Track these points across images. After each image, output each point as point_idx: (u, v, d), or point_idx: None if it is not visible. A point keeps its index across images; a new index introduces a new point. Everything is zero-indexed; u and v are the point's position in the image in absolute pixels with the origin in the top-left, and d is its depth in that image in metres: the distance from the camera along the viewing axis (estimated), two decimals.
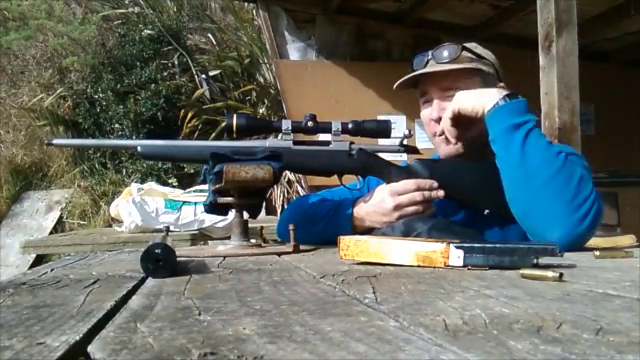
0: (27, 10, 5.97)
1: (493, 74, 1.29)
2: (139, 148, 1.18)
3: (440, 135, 1.26)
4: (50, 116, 5.76)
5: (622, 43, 3.93)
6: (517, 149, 1.09)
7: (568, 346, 0.36)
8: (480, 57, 1.28)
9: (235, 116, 1.17)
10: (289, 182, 4.86)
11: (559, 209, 1.05)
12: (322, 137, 1.24)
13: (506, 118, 1.11)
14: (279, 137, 1.22)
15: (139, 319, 0.48)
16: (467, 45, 1.29)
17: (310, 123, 1.18)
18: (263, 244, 1.19)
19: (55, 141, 1.25)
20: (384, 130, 1.22)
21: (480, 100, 1.15)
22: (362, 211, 1.22)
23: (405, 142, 1.24)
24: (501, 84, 1.29)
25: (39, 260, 4.35)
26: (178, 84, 5.60)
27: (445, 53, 1.25)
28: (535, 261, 0.75)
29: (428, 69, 1.26)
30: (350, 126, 1.20)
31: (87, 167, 5.61)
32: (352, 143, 1.22)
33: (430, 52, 1.28)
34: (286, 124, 1.18)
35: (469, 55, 1.27)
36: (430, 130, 1.30)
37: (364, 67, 3.69)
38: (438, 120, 1.25)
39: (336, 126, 1.19)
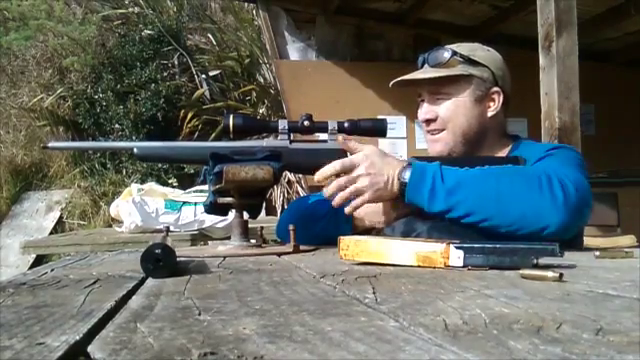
0: (27, 10, 5.97)
1: (488, 78, 1.29)
2: (136, 150, 1.18)
3: (429, 133, 1.30)
4: (50, 116, 5.76)
5: (622, 43, 3.93)
6: (454, 200, 1.05)
7: (568, 346, 0.36)
8: (472, 62, 1.28)
9: (232, 116, 1.17)
10: (289, 182, 4.86)
11: (529, 207, 1.03)
12: (321, 137, 1.24)
13: (422, 190, 1.07)
14: (279, 137, 1.22)
15: (139, 319, 0.48)
16: (464, 47, 1.30)
17: (306, 123, 1.18)
18: (263, 244, 1.19)
19: (50, 144, 1.23)
20: (380, 129, 1.23)
21: (387, 191, 1.11)
22: (361, 210, 1.22)
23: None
24: (495, 89, 1.29)
25: (39, 260, 4.35)
26: (178, 84, 5.60)
27: (436, 56, 1.28)
28: (535, 261, 0.75)
29: (416, 75, 1.30)
30: (346, 125, 1.20)
31: (87, 167, 5.61)
32: None
33: (426, 54, 1.31)
34: (282, 124, 1.19)
35: (459, 60, 1.28)
36: (423, 129, 1.35)
37: (364, 67, 3.69)
38: (426, 121, 1.30)
39: (332, 125, 1.20)
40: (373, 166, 1.11)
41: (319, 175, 1.15)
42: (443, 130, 1.28)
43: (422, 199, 1.07)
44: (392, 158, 1.15)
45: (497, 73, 1.30)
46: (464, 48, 1.30)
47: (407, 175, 1.09)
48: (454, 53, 1.27)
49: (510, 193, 1.04)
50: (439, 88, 1.28)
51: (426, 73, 1.29)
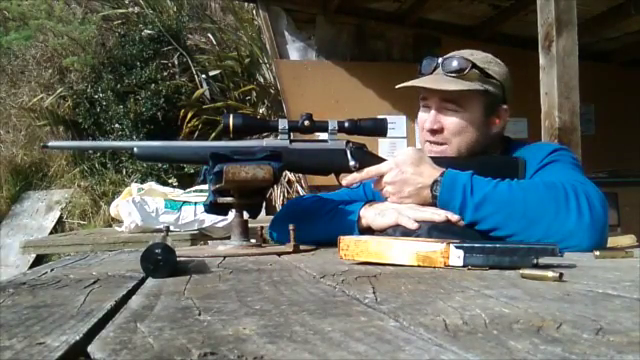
0: (27, 10, 5.97)
1: (498, 95, 1.25)
2: (136, 149, 1.18)
3: (430, 142, 1.25)
4: (50, 116, 5.76)
5: (622, 43, 3.94)
6: (481, 215, 1.06)
7: (568, 346, 0.36)
8: (488, 76, 1.23)
9: (231, 116, 1.17)
10: (289, 182, 4.86)
11: (555, 227, 1.02)
12: (321, 137, 1.24)
13: (453, 204, 1.08)
14: (279, 137, 1.22)
15: (139, 319, 0.48)
16: (479, 59, 1.24)
17: (307, 122, 1.18)
18: (263, 244, 1.18)
19: (50, 144, 1.24)
20: (380, 128, 1.22)
21: (418, 198, 1.13)
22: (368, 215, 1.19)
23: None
24: (504, 107, 1.26)
25: (39, 260, 4.35)
26: (178, 84, 5.59)
27: (454, 65, 1.21)
28: (535, 261, 0.75)
29: (431, 84, 1.22)
30: (346, 125, 1.20)
31: (87, 167, 5.61)
32: (349, 142, 1.22)
33: (440, 59, 1.24)
34: (282, 123, 1.19)
35: (477, 73, 1.22)
36: (422, 136, 1.29)
37: (364, 67, 3.70)
38: (431, 131, 1.24)
39: (332, 125, 1.19)
40: (401, 174, 1.13)
41: (347, 181, 1.19)
42: (445, 144, 1.23)
43: (454, 211, 1.09)
44: (426, 166, 1.13)
45: (507, 89, 1.26)
46: (479, 59, 1.24)
47: (438, 190, 1.10)
48: (473, 65, 1.21)
49: (536, 211, 1.04)
50: (453, 100, 1.22)
51: (441, 82, 1.21)
